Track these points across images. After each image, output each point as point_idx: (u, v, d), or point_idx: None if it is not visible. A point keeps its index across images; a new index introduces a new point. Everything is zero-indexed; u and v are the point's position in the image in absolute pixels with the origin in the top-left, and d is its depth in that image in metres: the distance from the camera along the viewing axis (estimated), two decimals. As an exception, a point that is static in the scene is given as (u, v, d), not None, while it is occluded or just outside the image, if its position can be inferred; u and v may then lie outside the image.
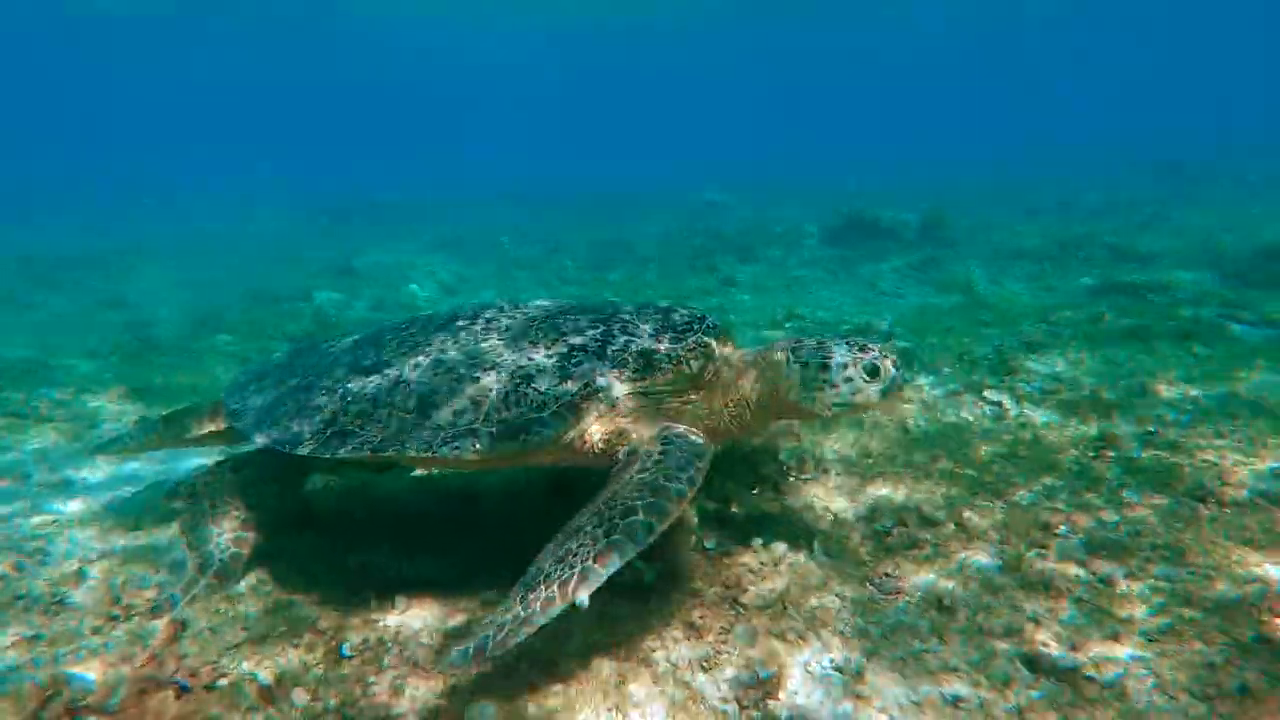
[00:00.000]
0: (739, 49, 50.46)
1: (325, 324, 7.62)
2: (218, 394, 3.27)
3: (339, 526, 3.01)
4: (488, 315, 2.86)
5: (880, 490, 3.20)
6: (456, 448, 2.36)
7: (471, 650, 1.84)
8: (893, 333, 6.09)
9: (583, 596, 1.83)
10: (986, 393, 4.33)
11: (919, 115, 51.55)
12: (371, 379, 2.67)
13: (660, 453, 2.28)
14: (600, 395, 2.45)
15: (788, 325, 6.85)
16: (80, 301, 9.97)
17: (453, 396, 2.49)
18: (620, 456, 2.41)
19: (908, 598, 2.42)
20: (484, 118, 66.94)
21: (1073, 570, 2.53)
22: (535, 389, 2.45)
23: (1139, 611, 2.30)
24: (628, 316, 2.75)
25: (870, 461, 3.47)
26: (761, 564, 2.59)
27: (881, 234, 11.59)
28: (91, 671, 2.16)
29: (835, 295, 8.75)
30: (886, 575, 2.52)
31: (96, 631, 2.39)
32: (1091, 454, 3.46)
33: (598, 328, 2.67)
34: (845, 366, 2.47)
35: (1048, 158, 24.21)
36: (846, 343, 2.54)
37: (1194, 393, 4.21)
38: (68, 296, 10.29)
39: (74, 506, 3.45)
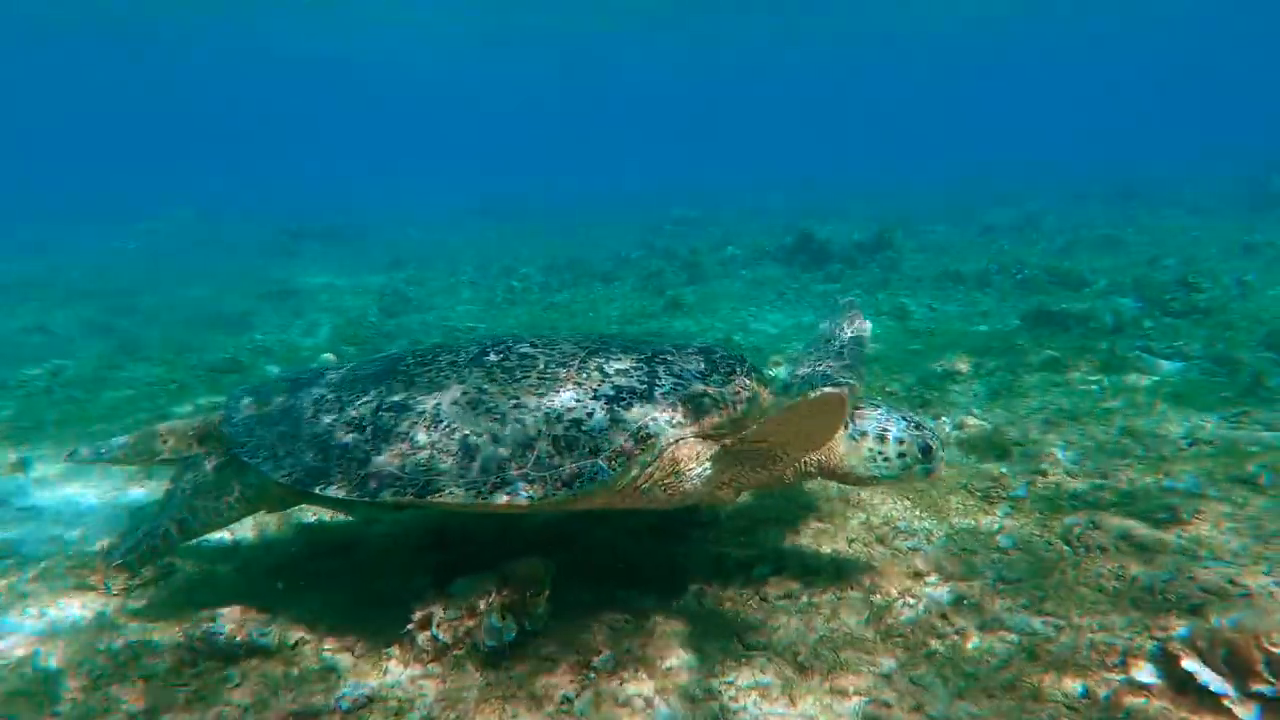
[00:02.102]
0: (711, 63, 51.11)
1: (261, 352, 7.48)
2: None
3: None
4: (521, 350, 2.74)
5: (769, 532, 3.21)
6: (508, 494, 2.25)
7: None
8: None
9: None
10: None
11: (894, 133, 52.62)
12: (404, 416, 2.51)
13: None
14: (654, 440, 2.39)
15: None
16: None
17: (498, 440, 2.36)
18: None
19: (768, 654, 2.43)
20: (462, 132, 66.82)
21: (934, 622, 2.57)
22: (586, 433, 2.37)
23: (989, 664, 2.33)
24: (670, 356, 2.70)
25: (767, 504, 3.49)
26: (626, 621, 2.58)
27: (832, 256, 11.76)
28: None
29: (781, 318, 8.84)
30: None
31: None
32: (979, 495, 3.52)
33: (641, 368, 2.60)
34: (901, 442, 2.61)
35: (1016, 177, 24.80)
36: (903, 418, 2.68)
37: (1093, 431, 4.32)
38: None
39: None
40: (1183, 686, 2.10)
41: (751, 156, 41.29)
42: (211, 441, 2.95)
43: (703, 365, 2.65)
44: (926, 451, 2.62)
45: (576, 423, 2.39)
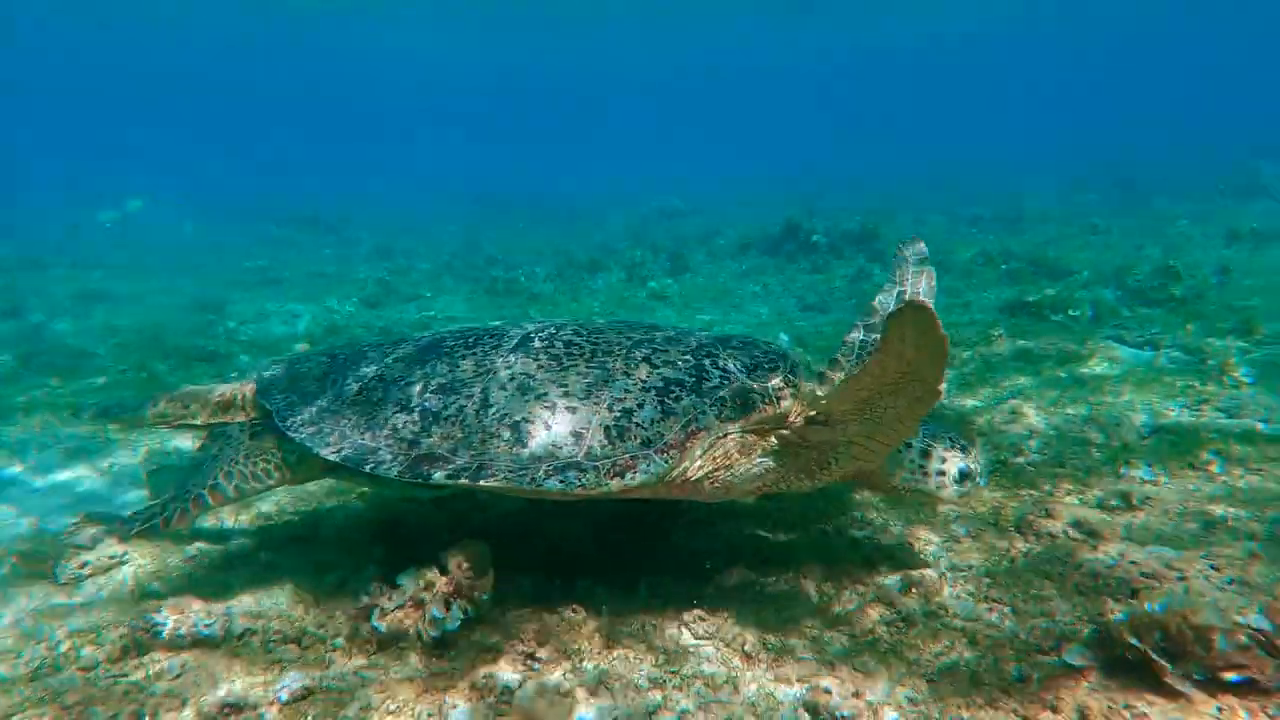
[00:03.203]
0: (706, 53, 50.76)
1: (235, 340, 7.44)
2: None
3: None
4: (564, 338, 2.71)
5: (727, 523, 3.22)
6: (562, 481, 2.25)
7: None
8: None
9: None
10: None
11: (893, 125, 52.33)
12: (453, 399, 2.50)
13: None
14: (703, 434, 2.39)
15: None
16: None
17: (549, 426, 2.37)
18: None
19: (715, 643, 2.44)
20: (463, 125, 66.24)
21: (881, 611, 2.58)
22: (638, 424, 2.37)
23: (930, 651, 2.35)
24: (713, 349, 2.68)
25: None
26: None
27: (818, 246, 11.76)
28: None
29: (762, 309, 8.84)
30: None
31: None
32: (938, 485, 3.54)
33: (688, 360, 2.60)
34: (944, 460, 2.60)
35: (1014, 168, 24.72)
36: (949, 437, 2.67)
37: (1056, 420, 4.34)
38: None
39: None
40: (1113, 669, 2.13)
41: (748, 148, 41.14)
42: (238, 410, 2.97)
43: (747, 360, 2.63)
44: (964, 475, 2.61)
45: (628, 413, 2.39)
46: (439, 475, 2.30)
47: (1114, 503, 3.18)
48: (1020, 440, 3.99)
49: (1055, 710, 2.02)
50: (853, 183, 22.25)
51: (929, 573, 2.76)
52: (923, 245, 3.32)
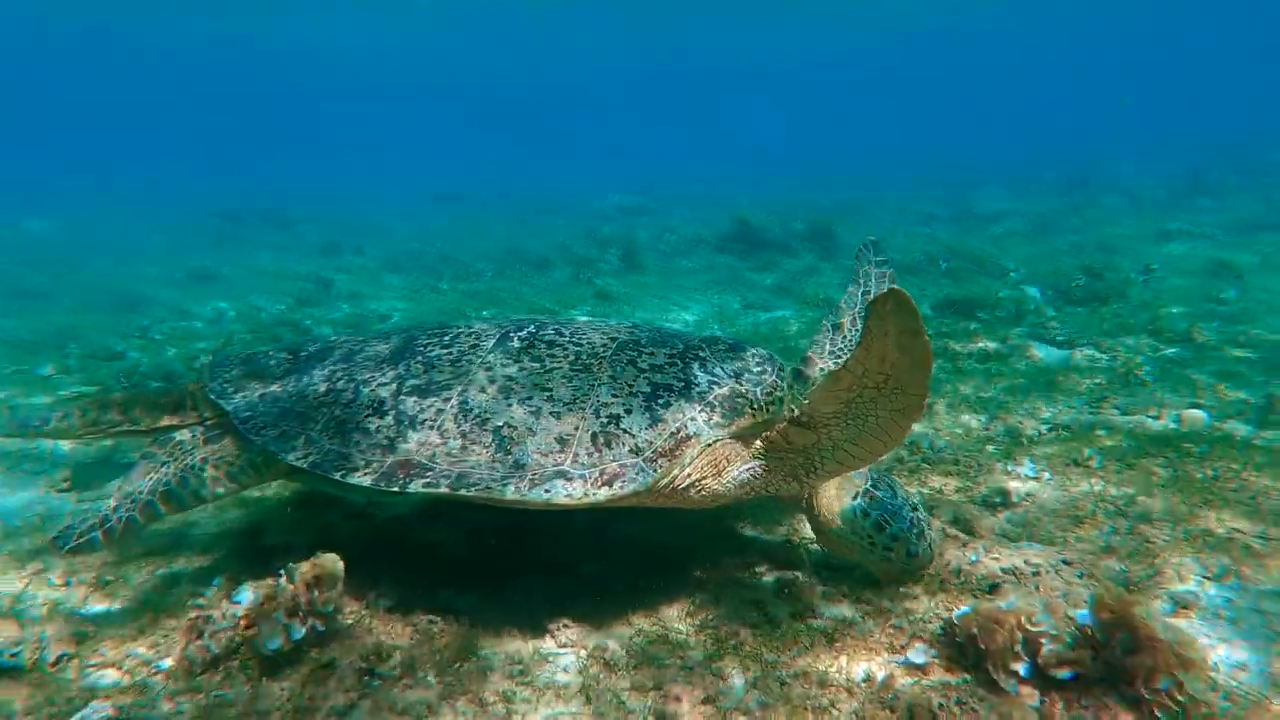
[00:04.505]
0: (671, 47, 50.76)
1: (148, 338, 7.18)
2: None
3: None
4: (546, 338, 2.60)
5: (616, 525, 3.21)
6: (548, 491, 2.16)
7: None
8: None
9: None
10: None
11: (857, 125, 52.88)
12: (430, 403, 2.37)
13: None
14: (693, 441, 2.31)
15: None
16: None
17: (534, 432, 2.28)
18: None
19: (576, 651, 2.41)
20: (425, 120, 65.19)
21: (749, 613, 2.59)
22: (626, 431, 2.28)
23: (790, 652, 2.36)
24: (702, 352, 2.61)
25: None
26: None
27: (770, 244, 11.84)
28: None
29: (704, 307, 8.86)
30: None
31: None
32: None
33: (675, 364, 2.51)
34: (894, 539, 2.45)
35: (973, 168, 25.13)
36: (913, 510, 2.49)
37: (963, 417, 4.42)
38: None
39: None
40: (953, 665, 2.17)
41: (717, 148, 41.22)
42: (188, 412, 2.77)
43: (735, 364, 2.58)
44: (911, 554, 2.47)
45: (614, 419, 2.31)
46: (417, 485, 2.20)
47: (996, 500, 3.25)
48: (919, 438, 4.05)
49: (891, 710, 2.05)
50: (820, 182, 22.44)
51: (802, 574, 2.78)
52: (880, 248, 3.54)
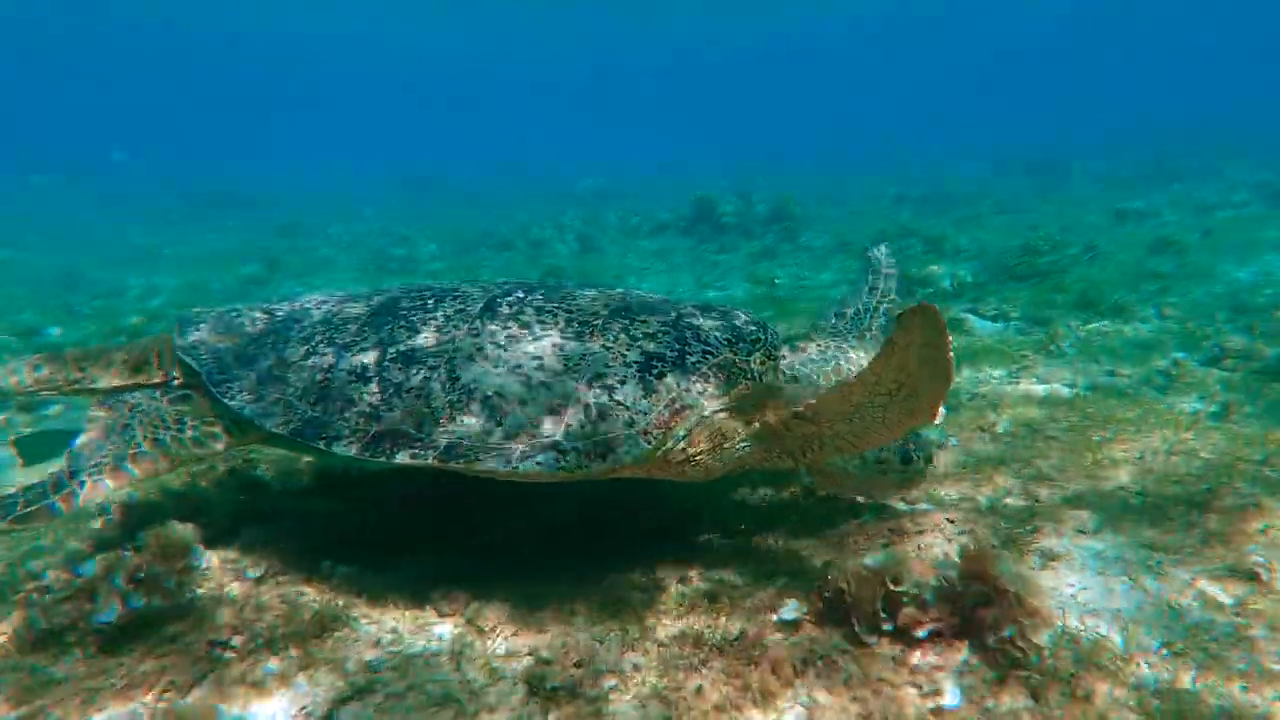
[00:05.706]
0: (647, 31, 50.25)
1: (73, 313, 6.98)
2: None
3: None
4: (534, 303, 2.48)
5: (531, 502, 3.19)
6: (539, 463, 2.09)
7: None
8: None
9: None
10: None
11: (832, 108, 52.79)
12: (416, 369, 2.28)
13: None
14: (689, 411, 2.25)
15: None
16: None
17: (525, 403, 2.21)
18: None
19: (456, 620, 2.39)
20: (399, 105, 63.77)
21: (637, 578, 2.59)
22: (619, 402, 2.21)
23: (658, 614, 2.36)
24: (694, 320, 2.51)
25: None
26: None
27: (730, 227, 11.84)
28: None
29: (657, 288, 8.85)
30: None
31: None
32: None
33: (668, 332, 2.42)
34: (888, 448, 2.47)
35: (948, 149, 25.25)
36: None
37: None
38: None
39: None
40: (822, 620, 2.19)
41: (696, 132, 41.02)
42: (153, 370, 2.61)
43: (728, 331, 2.50)
44: (906, 459, 2.54)
45: (609, 390, 2.24)
46: (404, 456, 2.14)
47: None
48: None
49: (754, 664, 2.06)
50: (798, 165, 22.48)
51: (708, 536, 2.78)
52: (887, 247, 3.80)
